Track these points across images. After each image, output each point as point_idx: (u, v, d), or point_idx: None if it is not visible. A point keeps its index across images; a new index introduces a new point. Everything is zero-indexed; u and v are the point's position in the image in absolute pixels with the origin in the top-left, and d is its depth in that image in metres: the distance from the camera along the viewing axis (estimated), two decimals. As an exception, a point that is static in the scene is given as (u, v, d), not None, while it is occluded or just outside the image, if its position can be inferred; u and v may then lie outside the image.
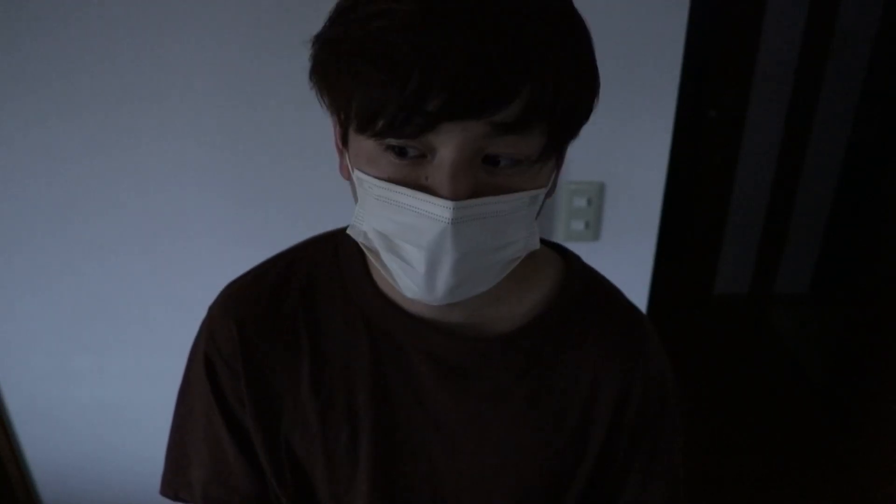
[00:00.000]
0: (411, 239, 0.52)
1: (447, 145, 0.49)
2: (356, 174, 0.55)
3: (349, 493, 0.67)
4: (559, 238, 1.36)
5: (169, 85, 1.27)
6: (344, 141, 0.57)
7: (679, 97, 1.25)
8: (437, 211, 0.50)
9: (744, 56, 2.89)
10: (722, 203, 3.20)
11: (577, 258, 0.73)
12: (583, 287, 0.70)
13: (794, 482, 2.40)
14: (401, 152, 0.51)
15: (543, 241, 0.72)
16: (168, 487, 0.75)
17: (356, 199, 0.58)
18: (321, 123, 1.38)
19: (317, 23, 0.54)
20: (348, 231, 0.58)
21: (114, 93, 1.28)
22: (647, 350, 0.71)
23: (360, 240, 0.58)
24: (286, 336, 0.67)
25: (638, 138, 1.27)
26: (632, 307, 0.73)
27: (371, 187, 0.53)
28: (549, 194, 0.59)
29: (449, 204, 0.49)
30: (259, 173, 1.36)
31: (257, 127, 1.33)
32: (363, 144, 0.52)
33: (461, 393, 0.66)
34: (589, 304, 0.70)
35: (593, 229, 1.35)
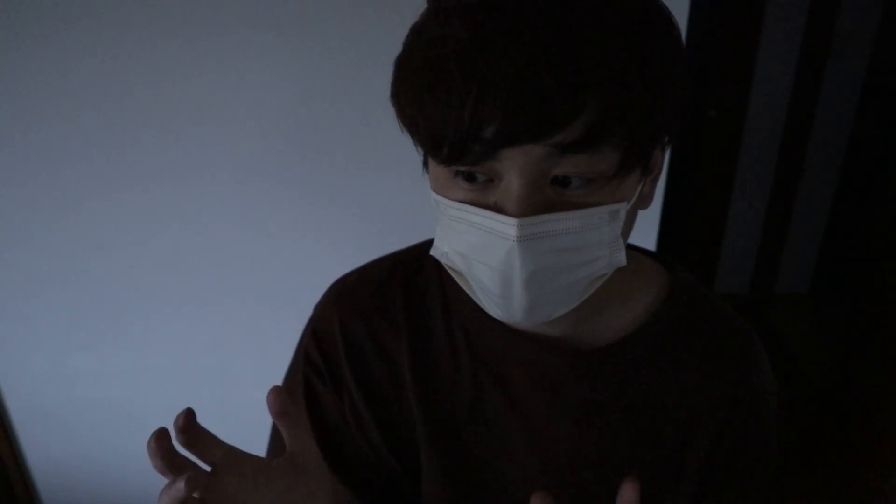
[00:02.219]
0: (483, 258, 0.52)
1: (511, 170, 0.48)
2: (433, 196, 0.55)
3: (439, 495, 0.68)
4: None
5: (169, 85, 1.28)
6: (425, 161, 0.58)
7: (679, 97, 1.25)
8: (503, 229, 0.49)
9: (744, 56, 2.89)
10: (722, 203, 3.20)
11: (684, 271, 0.70)
12: (688, 302, 0.67)
13: (794, 482, 2.40)
14: (469, 177, 0.51)
15: (649, 253, 0.71)
16: None
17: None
18: (321, 123, 1.39)
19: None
20: (431, 252, 0.59)
21: (114, 93, 1.28)
22: (759, 378, 0.68)
23: (443, 260, 0.58)
24: (388, 336, 0.67)
25: (638, 138, 1.27)
26: (742, 327, 0.69)
27: (446, 208, 0.54)
28: (641, 205, 0.56)
29: (513, 221, 0.48)
30: (261, 173, 1.36)
31: (257, 126, 1.33)
32: (437, 169, 0.53)
33: (556, 405, 0.65)
34: (694, 320, 0.67)
35: (593, 229, 1.35)
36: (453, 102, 0.46)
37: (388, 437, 0.67)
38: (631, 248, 0.70)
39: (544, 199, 0.49)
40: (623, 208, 0.52)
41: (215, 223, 1.41)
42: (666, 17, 0.50)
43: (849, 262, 3.09)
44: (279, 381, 1.77)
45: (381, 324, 0.67)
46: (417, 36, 0.50)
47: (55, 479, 1.72)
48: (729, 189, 3.17)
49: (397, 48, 0.53)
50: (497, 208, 0.50)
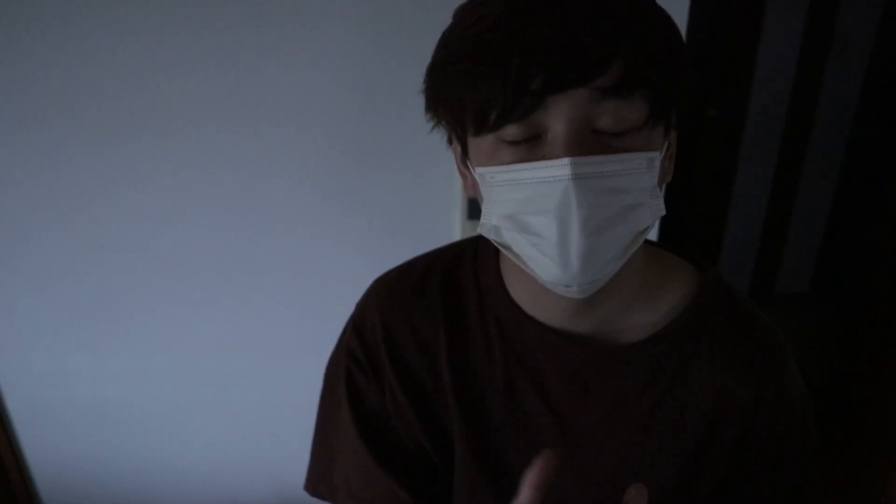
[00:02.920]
0: (537, 209, 0.54)
1: (557, 119, 0.51)
2: (477, 172, 0.58)
3: (471, 487, 0.70)
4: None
5: (169, 84, 1.28)
6: (464, 159, 0.60)
7: (679, 97, 1.25)
8: (556, 172, 0.51)
9: (744, 56, 2.89)
10: (722, 203, 3.20)
11: (714, 272, 0.71)
12: (717, 301, 0.69)
13: (794, 482, 2.40)
14: (517, 137, 0.53)
15: (680, 252, 0.73)
16: (311, 485, 0.77)
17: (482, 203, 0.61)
18: (323, 122, 1.39)
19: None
20: (479, 230, 0.60)
21: (114, 93, 1.28)
22: (782, 375, 0.69)
23: (490, 236, 0.59)
24: (427, 330, 0.70)
25: (638, 138, 1.27)
26: (770, 327, 0.71)
27: (493, 177, 0.56)
28: (665, 178, 0.60)
29: (566, 161, 0.51)
30: (260, 173, 1.36)
31: (257, 126, 1.33)
32: (481, 145, 0.55)
33: (586, 400, 0.67)
34: (723, 319, 0.68)
35: (593, 229, 1.34)
36: (500, 65, 0.50)
37: (429, 428, 0.70)
38: (661, 247, 0.72)
39: (589, 145, 0.52)
40: (657, 157, 0.56)
41: (216, 223, 1.41)
42: (665, 11, 0.57)
43: (849, 262, 3.09)
44: (279, 382, 1.78)
45: (420, 318, 0.70)
46: (451, 34, 0.55)
47: (55, 479, 1.72)
48: (729, 189, 3.17)
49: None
50: (545, 158, 0.53)
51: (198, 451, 1.67)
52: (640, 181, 0.55)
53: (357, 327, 0.72)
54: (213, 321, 1.51)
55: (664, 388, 0.67)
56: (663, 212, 0.59)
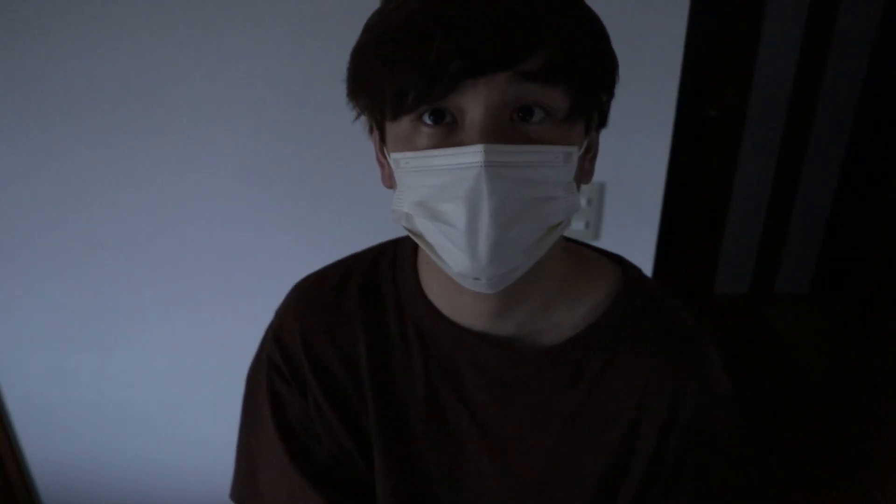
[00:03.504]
0: (448, 195, 0.53)
1: (475, 102, 0.51)
2: (392, 157, 0.56)
3: (393, 496, 0.69)
4: (559, 238, 1.36)
5: (169, 84, 1.28)
6: (382, 147, 0.59)
7: (679, 97, 1.25)
8: (469, 158, 0.51)
9: (744, 56, 2.89)
10: (722, 203, 3.20)
11: (636, 270, 0.71)
12: (640, 300, 0.68)
13: (794, 482, 2.40)
14: (434, 120, 0.53)
15: (601, 251, 0.72)
16: (236, 493, 0.76)
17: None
18: (325, 121, 1.39)
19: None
20: (392, 217, 0.59)
21: (114, 93, 1.28)
22: (705, 371, 0.68)
23: (402, 223, 0.58)
24: (346, 337, 0.69)
25: (638, 138, 1.27)
26: (693, 327, 0.71)
27: (407, 162, 0.55)
28: (584, 178, 0.60)
29: (479, 147, 0.50)
30: (259, 172, 1.36)
31: (257, 126, 1.33)
32: (398, 129, 0.55)
33: (508, 404, 0.66)
34: (645, 318, 0.68)
35: (593, 229, 1.35)
36: (420, 49, 0.49)
37: (354, 435, 0.68)
38: (581, 245, 0.72)
39: (505, 134, 0.52)
40: (575, 153, 0.55)
41: (216, 223, 1.41)
42: (596, 16, 0.57)
43: (849, 262, 3.09)
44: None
45: (339, 324, 0.69)
46: (376, 16, 0.55)
47: (55, 479, 1.72)
48: (729, 189, 3.17)
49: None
50: (461, 145, 0.52)
51: (198, 451, 1.67)
52: (556, 175, 0.54)
53: (276, 336, 0.71)
54: (213, 321, 1.51)
55: (587, 388, 0.66)
56: (579, 207, 0.58)
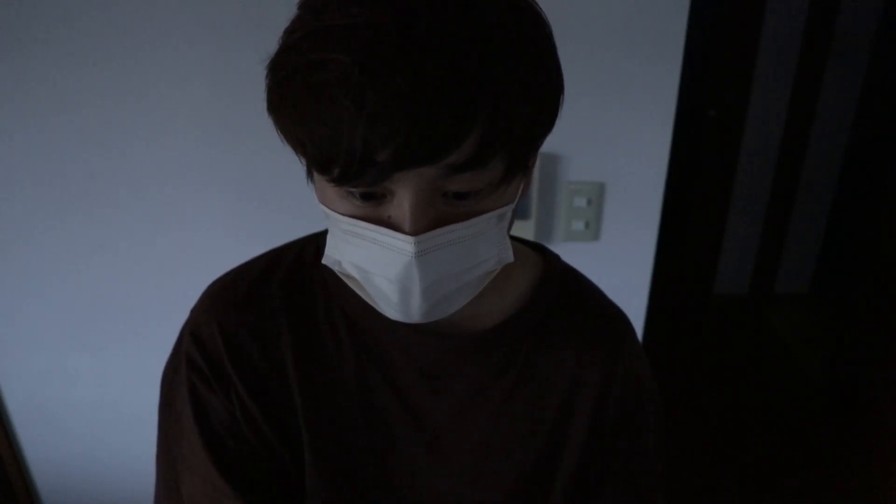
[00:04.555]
0: (380, 271, 0.53)
1: (404, 189, 0.49)
2: (323, 209, 0.56)
3: (323, 492, 0.68)
4: (559, 238, 1.36)
5: (169, 85, 1.28)
6: (309, 172, 0.57)
7: (679, 96, 1.25)
8: (400, 245, 0.51)
9: (744, 56, 2.89)
10: (722, 203, 3.20)
11: (556, 257, 0.73)
12: (562, 285, 0.71)
13: (794, 482, 2.40)
14: (362, 197, 0.51)
15: (523, 241, 0.73)
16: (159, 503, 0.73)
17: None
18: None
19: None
20: (323, 261, 0.59)
21: (113, 93, 1.28)
22: (628, 349, 0.71)
23: (335, 268, 0.59)
24: (269, 331, 0.67)
25: (638, 138, 1.27)
26: (613, 306, 0.74)
27: (338, 222, 0.54)
28: (521, 194, 0.59)
29: (410, 239, 0.50)
30: (260, 172, 1.36)
31: (258, 125, 1.33)
32: (326, 185, 0.52)
33: (440, 391, 0.67)
34: (569, 302, 0.70)
35: (593, 229, 1.35)
36: (343, 130, 0.46)
37: (281, 433, 0.67)
38: None
39: (437, 212, 0.51)
40: (509, 210, 0.55)
41: (216, 223, 1.41)
42: (545, 34, 0.52)
43: (849, 262, 3.09)
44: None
45: (261, 319, 0.67)
46: (294, 52, 0.48)
47: (55, 479, 1.72)
48: (729, 189, 3.17)
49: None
50: (391, 224, 0.51)
51: (198, 451, 1.67)
52: (488, 238, 0.54)
53: (195, 336, 0.68)
54: (213, 321, 1.51)
55: (518, 372, 0.67)
56: (511, 259, 0.58)
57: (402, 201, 0.50)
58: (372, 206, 0.51)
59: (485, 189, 0.51)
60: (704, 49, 2.82)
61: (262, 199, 1.39)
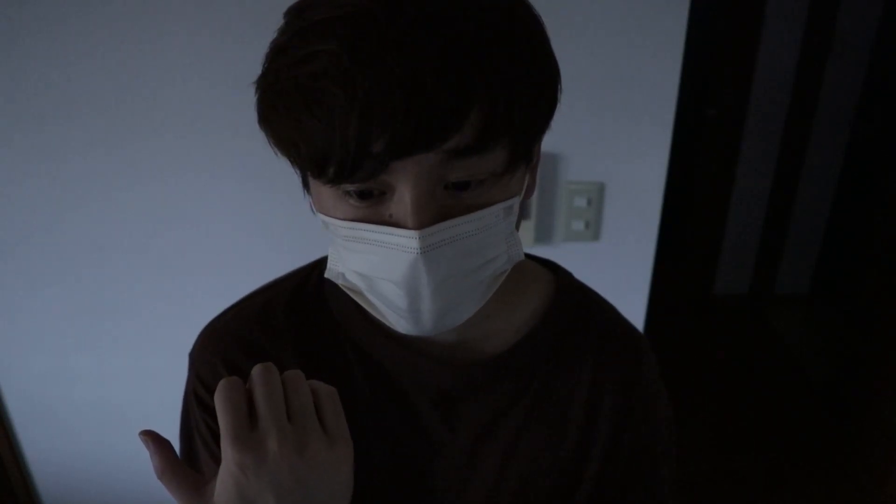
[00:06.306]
0: (385, 275, 0.51)
1: (404, 181, 0.47)
2: (321, 217, 0.54)
3: None
4: (559, 238, 1.36)
5: (169, 85, 1.28)
6: (305, 183, 0.56)
7: (679, 96, 1.25)
8: (404, 243, 0.48)
9: (744, 56, 2.89)
10: (722, 203, 3.20)
11: (569, 274, 0.71)
12: (576, 303, 0.69)
13: (794, 482, 2.40)
14: (360, 195, 0.49)
15: (533, 257, 0.71)
16: None
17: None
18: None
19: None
20: (326, 275, 0.57)
21: (113, 93, 1.28)
22: (646, 366, 0.70)
23: (339, 282, 0.56)
24: (276, 364, 0.66)
25: (638, 138, 1.27)
26: (629, 324, 0.72)
27: (338, 229, 0.52)
28: (527, 195, 0.57)
29: (414, 234, 0.47)
30: (260, 173, 1.36)
31: (257, 126, 1.33)
32: (322, 189, 0.51)
33: (454, 419, 0.65)
34: (584, 320, 0.68)
35: (593, 229, 1.35)
36: (336, 121, 0.44)
37: None
38: None
39: (439, 206, 0.49)
40: (516, 202, 0.53)
41: (216, 223, 1.41)
42: (535, 17, 0.50)
43: (848, 263, 3.09)
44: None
45: (267, 354, 0.64)
46: (282, 55, 0.47)
47: (55, 479, 1.72)
48: (729, 189, 3.17)
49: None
50: (393, 222, 0.49)
51: (198, 451, 1.67)
52: (497, 232, 0.52)
53: (201, 377, 0.66)
54: (213, 321, 1.51)
55: (534, 396, 0.65)
56: (521, 257, 0.56)
57: (403, 195, 0.48)
58: (371, 205, 0.49)
59: (488, 179, 0.49)
60: (704, 49, 2.82)
61: (263, 199, 1.39)
